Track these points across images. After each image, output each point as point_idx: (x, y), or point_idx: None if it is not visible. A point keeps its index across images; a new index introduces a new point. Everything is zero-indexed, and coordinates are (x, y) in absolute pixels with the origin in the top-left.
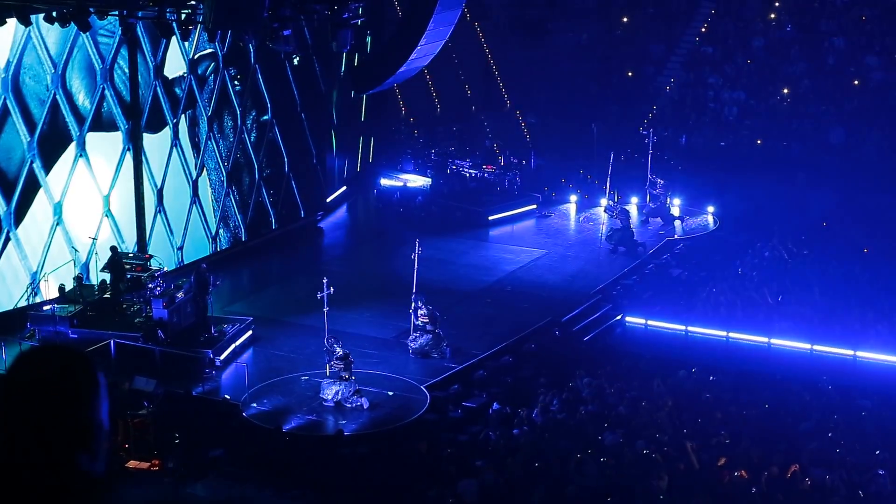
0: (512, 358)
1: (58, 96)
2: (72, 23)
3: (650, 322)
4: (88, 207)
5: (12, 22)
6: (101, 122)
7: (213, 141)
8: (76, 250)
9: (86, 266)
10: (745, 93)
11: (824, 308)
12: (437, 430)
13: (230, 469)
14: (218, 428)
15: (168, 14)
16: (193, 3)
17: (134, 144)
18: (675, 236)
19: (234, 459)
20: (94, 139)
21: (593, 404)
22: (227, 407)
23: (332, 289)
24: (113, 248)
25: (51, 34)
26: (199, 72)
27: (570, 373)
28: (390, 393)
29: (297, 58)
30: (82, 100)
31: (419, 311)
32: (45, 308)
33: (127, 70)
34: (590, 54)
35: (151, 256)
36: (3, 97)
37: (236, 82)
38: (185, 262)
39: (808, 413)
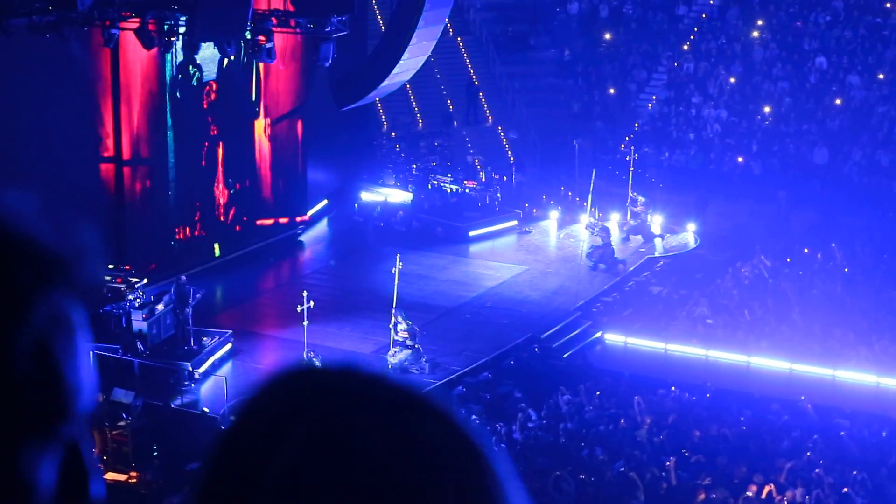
0: (491, 374)
1: None
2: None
3: (629, 340)
4: None
5: None
6: None
7: None
8: None
9: None
10: (727, 111)
11: (804, 328)
12: None
13: None
14: (196, 441)
15: (150, 24)
16: (176, 13)
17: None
18: (656, 254)
19: None
20: None
21: (572, 422)
22: (206, 420)
23: (311, 302)
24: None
25: None
26: None
27: (550, 390)
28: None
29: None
30: None
31: (399, 326)
32: None
33: None
34: (572, 71)
35: (131, 268)
36: None
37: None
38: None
39: (787, 432)
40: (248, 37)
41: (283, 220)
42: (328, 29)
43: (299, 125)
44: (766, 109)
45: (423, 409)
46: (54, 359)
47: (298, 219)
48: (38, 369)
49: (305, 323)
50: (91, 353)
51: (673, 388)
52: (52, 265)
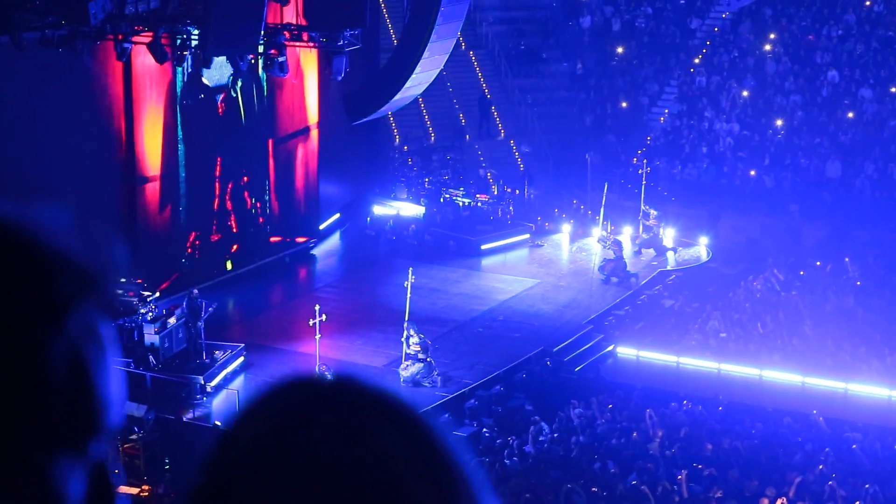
0: (503, 387)
1: None
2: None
3: (641, 353)
4: None
5: None
6: None
7: None
8: None
9: None
10: (739, 124)
11: (816, 341)
12: None
13: None
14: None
15: (162, 38)
16: (189, 27)
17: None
18: (668, 267)
19: None
20: None
21: (584, 435)
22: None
23: (324, 316)
24: None
25: None
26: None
27: (561, 403)
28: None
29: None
30: None
31: (411, 340)
32: None
33: None
34: (584, 84)
35: (143, 282)
36: None
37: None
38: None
39: (799, 446)
40: (261, 51)
41: (297, 239)
42: (341, 43)
43: (312, 139)
44: (779, 123)
45: (397, 421)
46: (88, 371)
47: (309, 238)
48: (73, 380)
49: (318, 336)
50: (120, 369)
51: (685, 402)
52: (86, 278)
